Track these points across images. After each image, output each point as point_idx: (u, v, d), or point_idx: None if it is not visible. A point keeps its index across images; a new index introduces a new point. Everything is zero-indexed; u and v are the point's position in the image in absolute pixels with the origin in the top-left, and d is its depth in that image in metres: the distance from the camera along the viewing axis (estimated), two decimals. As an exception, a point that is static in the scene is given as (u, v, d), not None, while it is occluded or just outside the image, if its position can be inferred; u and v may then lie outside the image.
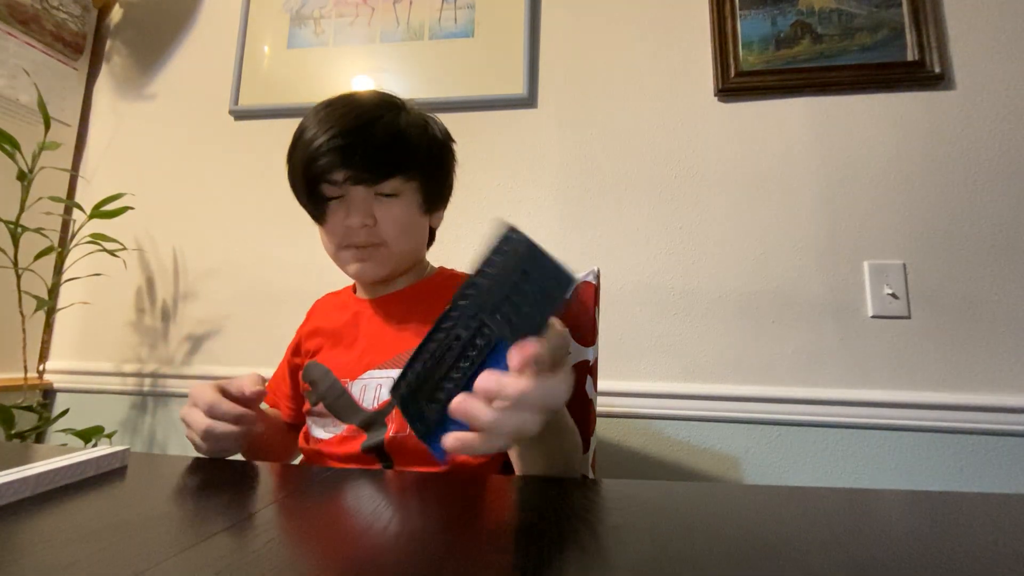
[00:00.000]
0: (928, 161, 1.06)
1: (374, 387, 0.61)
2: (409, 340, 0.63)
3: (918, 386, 1.00)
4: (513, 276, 0.32)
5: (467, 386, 0.33)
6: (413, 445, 0.58)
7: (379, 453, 0.58)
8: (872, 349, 1.02)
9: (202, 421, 0.49)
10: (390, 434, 0.58)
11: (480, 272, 0.33)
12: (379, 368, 0.62)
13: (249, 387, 0.51)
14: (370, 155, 0.57)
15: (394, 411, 0.59)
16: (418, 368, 0.35)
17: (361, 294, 0.71)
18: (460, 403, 0.33)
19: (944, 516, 0.34)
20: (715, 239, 1.11)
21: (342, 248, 0.61)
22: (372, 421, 0.59)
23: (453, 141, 0.68)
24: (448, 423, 0.33)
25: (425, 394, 0.34)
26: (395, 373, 0.61)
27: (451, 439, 0.33)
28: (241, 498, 0.37)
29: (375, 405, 0.60)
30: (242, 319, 1.26)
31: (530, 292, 0.31)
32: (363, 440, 0.59)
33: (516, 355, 0.31)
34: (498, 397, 0.32)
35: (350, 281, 0.73)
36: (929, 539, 0.29)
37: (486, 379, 0.32)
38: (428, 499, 0.37)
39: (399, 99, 0.63)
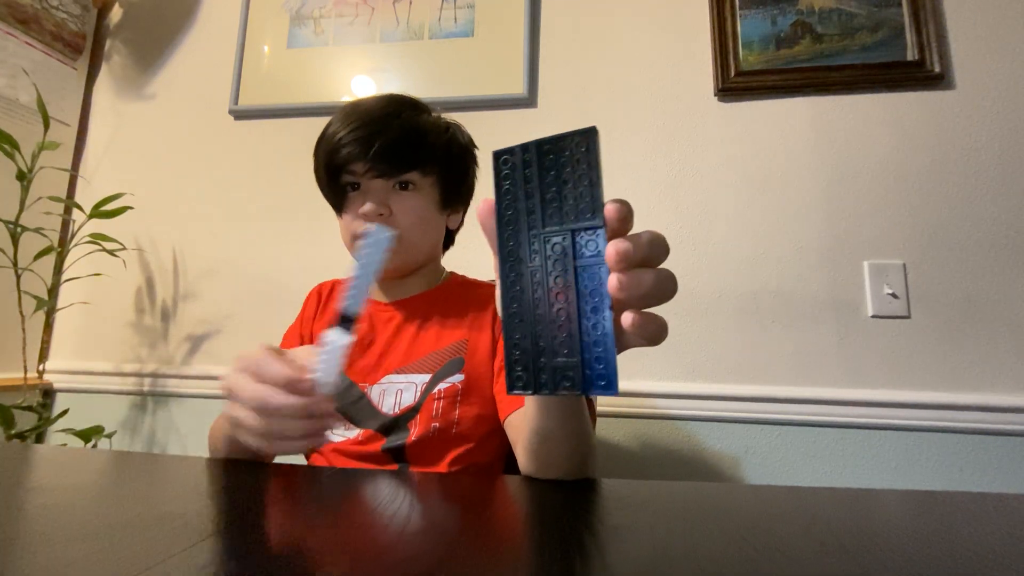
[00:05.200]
0: (928, 161, 1.06)
1: (394, 392, 0.62)
2: (427, 345, 0.64)
3: (918, 386, 1.00)
4: (536, 180, 0.28)
5: (578, 311, 0.27)
6: (432, 448, 0.59)
7: (397, 455, 0.59)
8: (872, 349, 1.02)
9: (255, 388, 0.36)
10: (412, 438, 0.59)
11: (502, 197, 0.29)
12: (397, 373, 0.63)
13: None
14: (388, 148, 0.59)
15: (417, 416, 0.60)
16: (518, 340, 0.29)
17: (375, 296, 0.71)
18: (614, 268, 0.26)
19: (944, 516, 0.34)
20: (715, 239, 1.11)
21: (357, 238, 0.62)
22: (393, 425, 0.60)
23: (476, 147, 0.70)
24: (593, 357, 0.27)
25: (550, 353, 0.28)
26: (415, 378, 0.62)
27: (628, 322, 0.27)
28: (241, 498, 0.37)
29: (396, 410, 0.61)
30: (242, 319, 1.26)
31: (565, 176, 0.27)
32: (382, 443, 0.60)
33: (611, 249, 0.26)
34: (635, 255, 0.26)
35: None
36: (929, 539, 0.29)
37: (617, 243, 0.26)
38: (430, 499, 0.37)
39: (423, 103, 0.65)
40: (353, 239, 0.63)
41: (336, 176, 0.61)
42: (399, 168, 0.60)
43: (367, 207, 0.60)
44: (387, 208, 0.61)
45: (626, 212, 0.26)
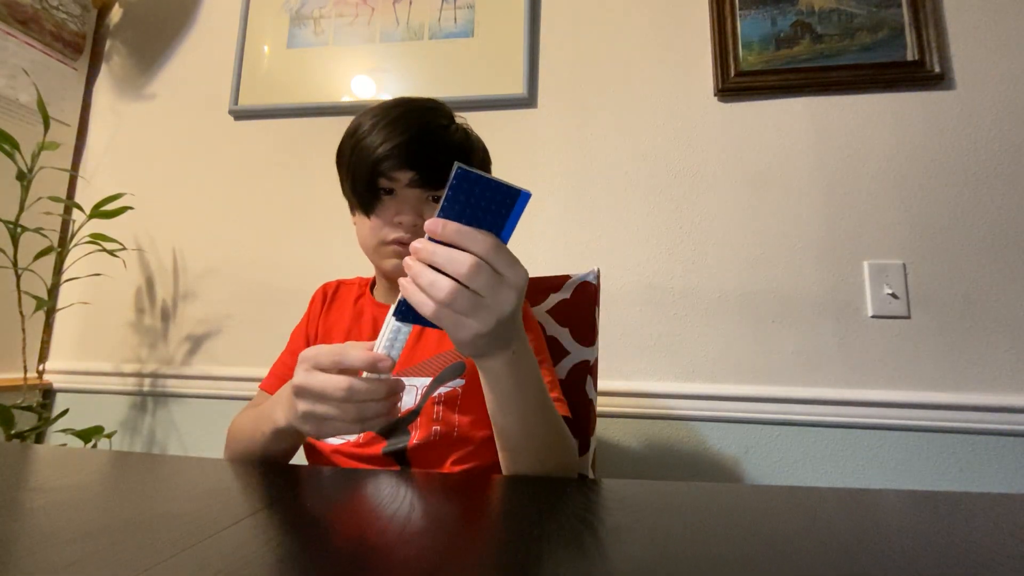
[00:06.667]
0: (928, 161, 1.06)
1: None
2: (430, 349, 0.65)
3: (918, 386, 1.00)
4: (466, 210, 0.36)
5: None
6: (434, 451, 0.59)
7: (399, 458, 0.59)
8: (872, 349, 1.02)
9: (340, 380, 0.40)
10: (414, 442, 0.59)
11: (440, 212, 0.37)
12: (399, 375, 0.63)
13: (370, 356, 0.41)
14: (436, 162, 0.59)
15: (417, 419, 0.60)
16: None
17: (381, 297, 0.71)
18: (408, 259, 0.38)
19: (944, 516, 0.34)
20: (715, 239, 1.11)
21: (386, 243, 0.62)
22: (393, 428, 0.60)
23: (490, 162, 0.71)
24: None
25: None
26: (417, 381, 0.62)
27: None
28: (241, 498, 0.37)
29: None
30: (242, 319, 1.26)
31: (484, 217, 0.36)
32: (383, 445, 0.60)
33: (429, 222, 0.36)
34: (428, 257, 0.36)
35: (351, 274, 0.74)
36: (929, 539, 0.29)
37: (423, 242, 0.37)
38: (429, 499, 0.37)
39: (451, 111, 0.65)
40: (381, 244, 0.62)
41: (375, 180, 0.60)
42: (443, 183, 0.60)
43: (407, 218, 0.60)
44: (422, 219, 0.61)
45: (432, 227, 0.36)
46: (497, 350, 0.42)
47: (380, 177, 0.60)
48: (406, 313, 0.39)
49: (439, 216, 0.36)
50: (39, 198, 1.16)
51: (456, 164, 0.35)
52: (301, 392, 0.42)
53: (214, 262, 1.29)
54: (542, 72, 1.23)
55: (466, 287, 0.36)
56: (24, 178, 1.12)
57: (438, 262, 0.36)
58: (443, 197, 0.35)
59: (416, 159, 0.58)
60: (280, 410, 0.47)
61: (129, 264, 1.31)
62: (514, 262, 0.37)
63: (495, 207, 0.36)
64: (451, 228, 0.36)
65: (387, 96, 0.72)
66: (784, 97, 1.13)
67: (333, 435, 0.44)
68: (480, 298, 0.36)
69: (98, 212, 1.17)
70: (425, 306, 0.37)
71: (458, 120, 0.65)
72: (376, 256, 0.64)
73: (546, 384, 0.62)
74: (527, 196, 0.36)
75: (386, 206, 0.61)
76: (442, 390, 0.61)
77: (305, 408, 0.42)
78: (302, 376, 0.42)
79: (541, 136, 1.21)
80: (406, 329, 0.40)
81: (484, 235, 0.36)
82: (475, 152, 0.64)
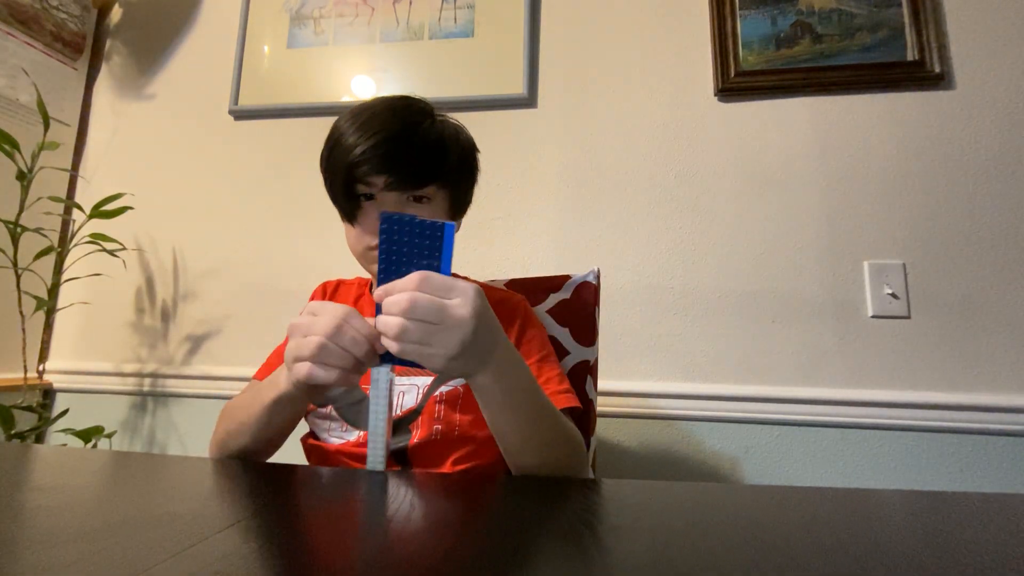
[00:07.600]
0: (928, 161, 1.06)
1: (396, 394, 0.62)
2: None
3: (918, 386, 1.00)
4: (403, 250, 0.41)
5: None
6: (435, 451, 0.59)
7: (399, 457, 0.59)
8: (872, 349, 1.02)
9: (331, 319, 0.42)
10: (414, 441, 0.59)
11: (382, 267, 0.41)
12: (399, 375, 0.63)
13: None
14: (410, 163, 0.58)
15: (419, 419, 0.60)
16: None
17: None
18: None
19: (944, 516, 0.34)
20: (715, 239, 1.11)
21: (371, 249, 0.61)
22: (394, 428, 0.60)
23: (478, 150, 0.69)
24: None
25: None
26: (417, 380, 0.62)
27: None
28: (241, 498, 0.37)
29: (397, 412, 0.61)
30: (242, 319, 1.26)
31: (420, 253, 0.41)
32: None
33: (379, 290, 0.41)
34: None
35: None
36: (929, 539, 0.29)
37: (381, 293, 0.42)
38: (429, 499, 0.37)
39: (430, 106, 0.64)
40: (367, 249, 0.61)
41: (352, 186, 0.60)
42: (419, 184, 0.60)
43: None
44: None
45: (375, 298, 0.42)
46: (478, 366, 0.44)
47: (356, 183, 0.59)
48: (385, 356, 0.44)
49: (379, 265, 0.41)
50: (39, 198, 1.16)
51: (381, 212, 0.40)
52: (294, 329, 0.44)
53: (214, 262, 1.29)
54: (542, 72, 1.23)
55: (414, 319, 0.39)
56: (24, 178, 1.12)
57: (386, 311, 0.40)
58: (379, 244, 0.40)
59: (390, 162, 0.57)
60: (283, 376, 0.48)
61: (129, 264, 1.31)
62: (450, 285, 0.40)
63: (428, 242, 0.41)
64: (383, 289, 0.41)
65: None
66: (784, 97, 1.13)
67: (304, 378, 0.43)
68: (431, 325, 0.39)
69: (98, 212, 1.17)
70: (391, 346, 0.40)
71: (439, 116, 0.63)
72: (364, 261, 0.63)
73: (553, 377, 0.62)
74: (452, 227, 0.40)
75: (367, 211, 0.60)
76: (443, 389, 0.61)
77: (291, 344, 0.44)
78: (302, 316, 0.44)
79: (541, 136, 1.21)
80: (385, 369, 0.44)
81: (411, 276, 0.40)
82: (452, 148, 0.62)
